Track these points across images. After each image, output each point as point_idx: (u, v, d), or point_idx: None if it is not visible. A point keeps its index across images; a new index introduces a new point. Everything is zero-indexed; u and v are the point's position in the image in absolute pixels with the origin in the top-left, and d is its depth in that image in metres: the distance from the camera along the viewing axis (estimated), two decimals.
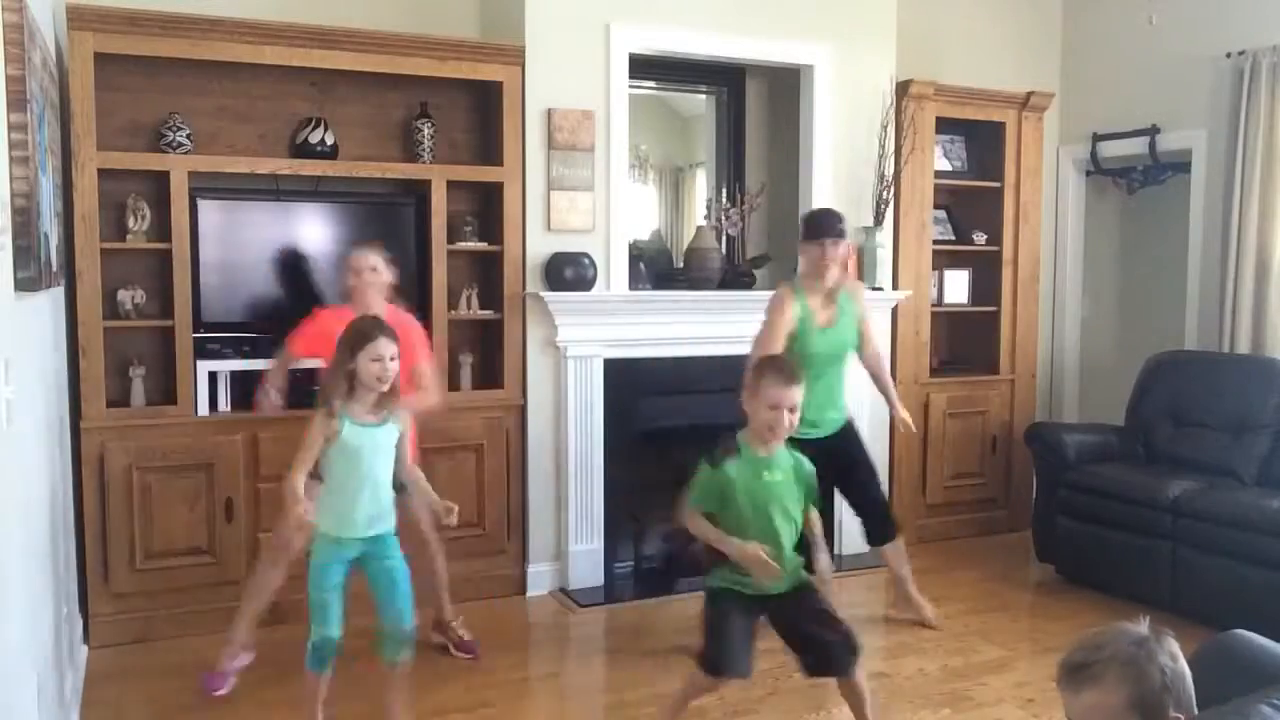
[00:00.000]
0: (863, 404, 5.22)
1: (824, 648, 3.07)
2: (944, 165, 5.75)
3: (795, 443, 3.22)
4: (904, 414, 4.35)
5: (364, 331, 3.08)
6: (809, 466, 3.17)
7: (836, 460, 3.99)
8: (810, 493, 3.18)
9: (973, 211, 5.87)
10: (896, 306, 5.35)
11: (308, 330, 3.79)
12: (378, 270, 3.74)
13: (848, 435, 4.19)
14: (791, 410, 3.02)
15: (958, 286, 5.82)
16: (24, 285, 2.49)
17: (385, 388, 3.08)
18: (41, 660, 2.64)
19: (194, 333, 4.12)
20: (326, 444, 3.05)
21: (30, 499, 2.61)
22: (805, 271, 4.05)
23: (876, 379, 4.38)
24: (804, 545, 3.22)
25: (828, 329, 4.00)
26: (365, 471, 3.08)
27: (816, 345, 3.96)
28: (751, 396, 3.08)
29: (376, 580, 3.15)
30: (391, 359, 3.07)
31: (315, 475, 3.11)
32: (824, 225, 3.98)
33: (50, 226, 3.07)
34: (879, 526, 4.34)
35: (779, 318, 3.90)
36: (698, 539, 3.21)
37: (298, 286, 4.38)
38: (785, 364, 3.18)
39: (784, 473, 3.10)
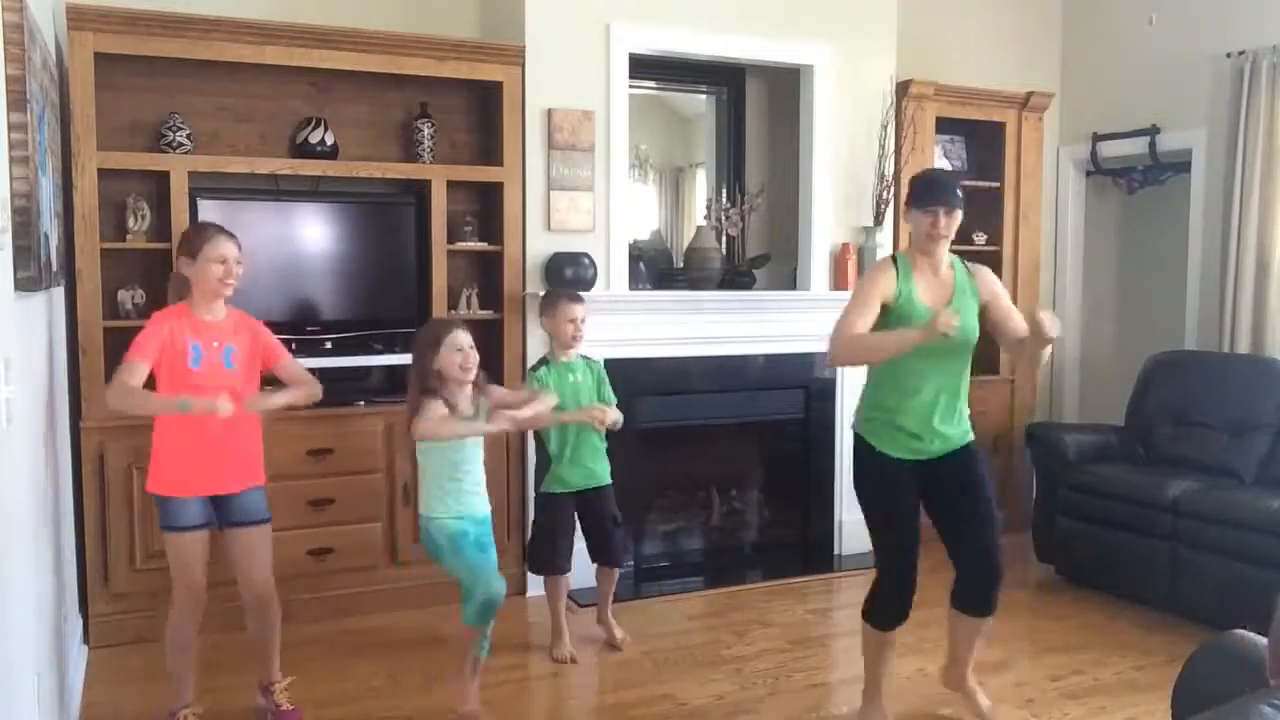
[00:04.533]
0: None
1: (606, 543, 4.02)
2: (944, 165, 5.75)
3: (898, 463, 3.21)
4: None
5: (435, 328, 3.45)
6: (601, 369, 4.04)
7: (944, 489, 3.26)
8: (604, 387, 4.01)
9: (973, 211, 5.82)
10: None
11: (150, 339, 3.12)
12: (242, 264, 3.21)
13: (966, 460, 3.27)
14: (583, 322, 3.91)
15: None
16: (24, 285, 2.49)
17: (470, 377, 3.36)
18: (41, 660, 2.64)
19: None
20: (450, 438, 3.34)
21: (30, 499, 2.60)
22: (911, 245, 3.28)
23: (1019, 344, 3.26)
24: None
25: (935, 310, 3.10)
26: (469, 460, 3.39)
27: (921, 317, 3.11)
28: (552, 318, 3.92)
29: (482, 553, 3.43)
30: (471, 347, 3.37)
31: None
32: (937, 190, 3.16)
33: (50, 226, 3.07)
34: (976, 589, 3.38)
35: (870, 288, 3.14)
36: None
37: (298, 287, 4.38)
38: (568, 290, 4.02)
39: (580, 373, 3.95)
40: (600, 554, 4.07)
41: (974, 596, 3.37)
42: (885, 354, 3.10)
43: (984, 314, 3.24)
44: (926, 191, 3.17)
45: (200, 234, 3.18)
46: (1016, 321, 3.25)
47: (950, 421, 3.21)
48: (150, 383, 3.07)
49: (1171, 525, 4.46)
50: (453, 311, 4.57)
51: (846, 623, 4.46)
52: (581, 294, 4.06)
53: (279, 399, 3.23)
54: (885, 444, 3.21)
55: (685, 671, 3.86)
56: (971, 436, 3.30)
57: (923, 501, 3.28)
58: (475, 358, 3.36)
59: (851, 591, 4.89)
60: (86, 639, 3.97)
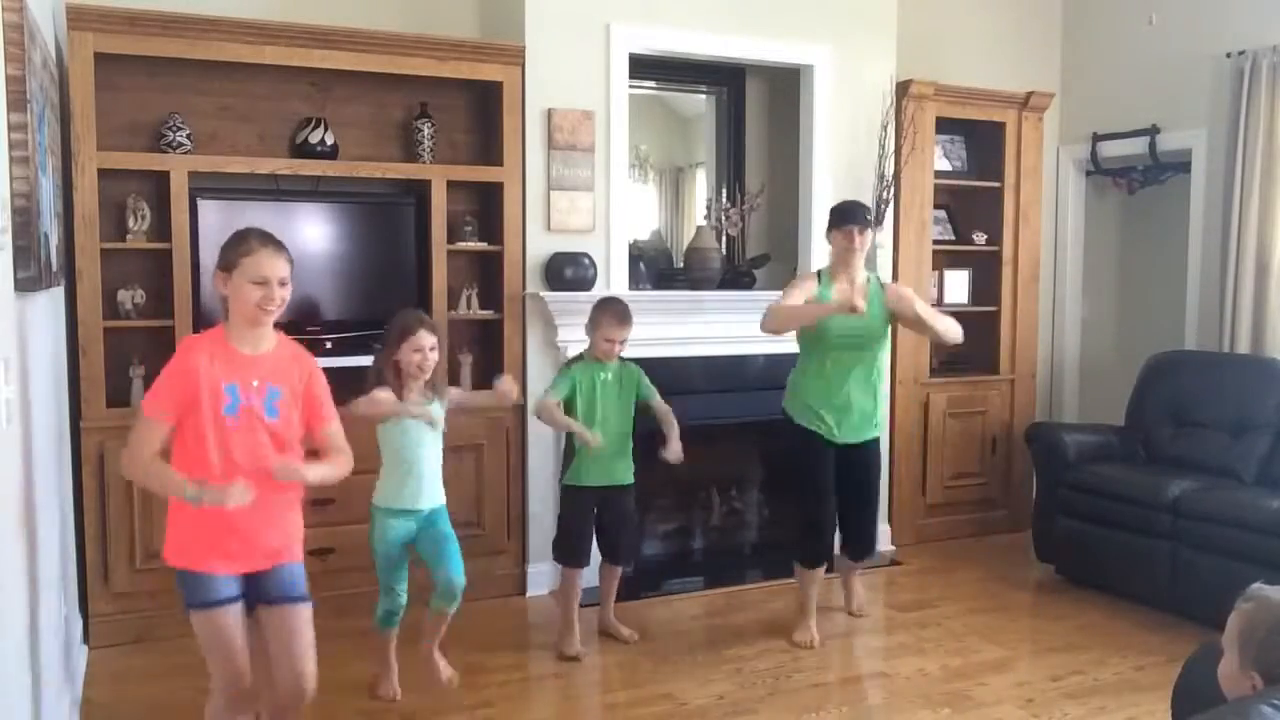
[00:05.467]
0: None
1: (615, 542, 4.04)
2: (944, 165, 5.75)
3: (822, 442, 4.02)
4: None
5: (405, 322, 3.41)
6: (639, 371, 4.01)
7: (852, 472, 4.10)
8: (642, 389, 4.00)
9: (973, 211, 5.87)
10: None
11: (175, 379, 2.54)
12: (288, 285, 2.60)
13: (868, 454, 4.16)
14: (622, 343, 3.91)
15: (958, 286, 5.83)
16: (24, 285, 2.49)
17: (426, 377, 3.41)
18: (41, 660, 2.64)
19: (194, 333, 4.11)
20: (381, 427, 3.43)
21: (30, 499, 2.60)
22: (832, 262, 4.09)
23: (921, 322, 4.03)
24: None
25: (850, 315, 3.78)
26: (408, 453, 3.43)
27: (836, 326, 3.88)
28: (594, 329, 3.93)
29: (429, 546, 3.47)
30: (431, 349, 3.38)
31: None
32: (849, 213, 4.00)
33: (50, 226, 3.07)
34: (858, 547, 4.33)
35: (796, 285, 3.98)
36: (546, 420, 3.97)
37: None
38: (619, 306, 3.93)
39: (615, 375, 3.94)
40: (609, 552, 4.07)
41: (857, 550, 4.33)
42: (804, 320, 3.87)
43: (895, 317, 4.02)
44: (842, 215, 4.00)
45: (238, 245, 2.56)
46: (929, 317, 3.99)
47: (866, 406, 4.03)
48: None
49: (1171, 525, 4.45)
50: (452, 311, 4.57)
51: (846, 623, 4.47)
52: (629, 310, 3.96)
53: (315, 473, 2.64)
54: (805, 420, 4.04)
55: (685, 671, 3.86)
56: (878, 432, 4.16)
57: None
58: (434, 359, 3.42)
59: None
60: (86, 639, 3.97)
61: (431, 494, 3.50)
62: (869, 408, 4.05)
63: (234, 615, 2.56)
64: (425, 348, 3.38)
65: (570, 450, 4.01)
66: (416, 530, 3.47)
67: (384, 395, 3.37)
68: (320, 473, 2.67)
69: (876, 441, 4.18)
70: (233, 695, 2.61)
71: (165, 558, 2.62)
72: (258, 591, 2.62)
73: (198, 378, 2.48)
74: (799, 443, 4.07)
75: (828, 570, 4.27)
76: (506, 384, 3.58)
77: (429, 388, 3.47)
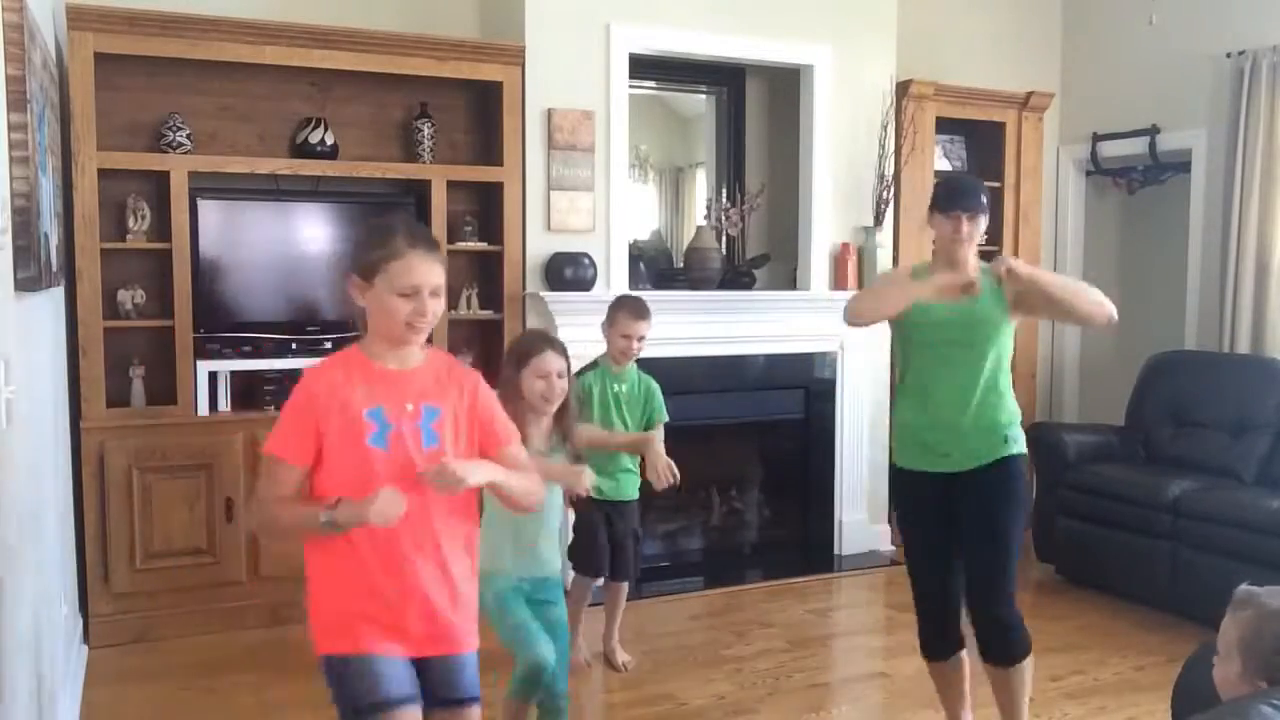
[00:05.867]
0: (862, 403, 5.24)
1: (619, 557, 3.85)
2: (944, 165, 5.74)
3: (913, 476, 3.01)
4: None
5: (528, 346, 2.84)
6: (653, 385, 3.80)
7: (965, 509, 2.94)
8: (653, 405, 3.79)
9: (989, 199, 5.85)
10: None
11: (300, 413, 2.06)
12: (440, 296, 2.08)
13: (990, 479, 2.93)
14: (640, 340, 3.68)
15: None
16: (24, 285, 2.49)
17: (552, 409, 2.82)
18: (41, 660, 2.64)
19: (194, 333, 4.12)
20: None
21: (30, 498, 2.61)
22: (935, 251, 3.14)
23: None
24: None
25: (955, 304, 2.91)
26: (548, 513, 2.80)
27: (932, 316, 2.92)
28: (610, 327, 3.71)
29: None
30: (559, 375, 2.78)
31: None
32: (955, 195, 3.04)
33: (50, 226, 3.07)
34: (988, 634, 2.97)
35: (878, 278, 3.29)
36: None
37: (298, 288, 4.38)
38: (637, 301, 3.74)
39: (630, 385, 3.75)
40: (613, 569, 3.89)
41: (981, 641, 2.99)
42: (895, 299, 2.99)
43: (1021, 305, 2.96)
44: (947, 196, 3.04)
45: (381, 245, 2.02)
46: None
47: (974, 425, 2.91)
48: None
49: (1171, 525, 4.45)
50: (452, 311, 4.57)
51: (846, 623, 4.47)
52: (648, 306, 3.74)
53: (485, 472, 2.07)
54: (904, 457, 3.05)
55: (685, 671, 3.86)
56: (1012, 451, 2.94)
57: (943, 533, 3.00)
58: (563, 388, 2.82)
59: (851, 592, 4.90)
60: (86, 639, 3.97)
61: (548, 560, 2.89)
62: (987, 417, 2.94)
63: (414, 714, 2.01)
64: (553, 372, 2.80)
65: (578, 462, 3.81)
66: (528, 597, 2.83)
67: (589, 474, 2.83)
68: (501, 473, 2.10)
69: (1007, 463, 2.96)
70: None
71: (318, 650, 2.05)
72: (430, 684, 2.08)
73: (323, 400, 2.01)
74: (900, 488, 3.16)
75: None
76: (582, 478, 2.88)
77: (557, 427, 2.87)
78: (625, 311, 3.71)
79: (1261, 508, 4.19)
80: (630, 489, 3.84)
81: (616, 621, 3.96)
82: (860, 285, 5.12)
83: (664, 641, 4.17)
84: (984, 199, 3.02)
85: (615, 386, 3.73)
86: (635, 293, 4.29)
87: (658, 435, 3.71)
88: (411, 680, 2.03)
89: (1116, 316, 2.97)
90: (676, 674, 3.84)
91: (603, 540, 3.84)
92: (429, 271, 2.02)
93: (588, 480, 2.85)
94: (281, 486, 2.00)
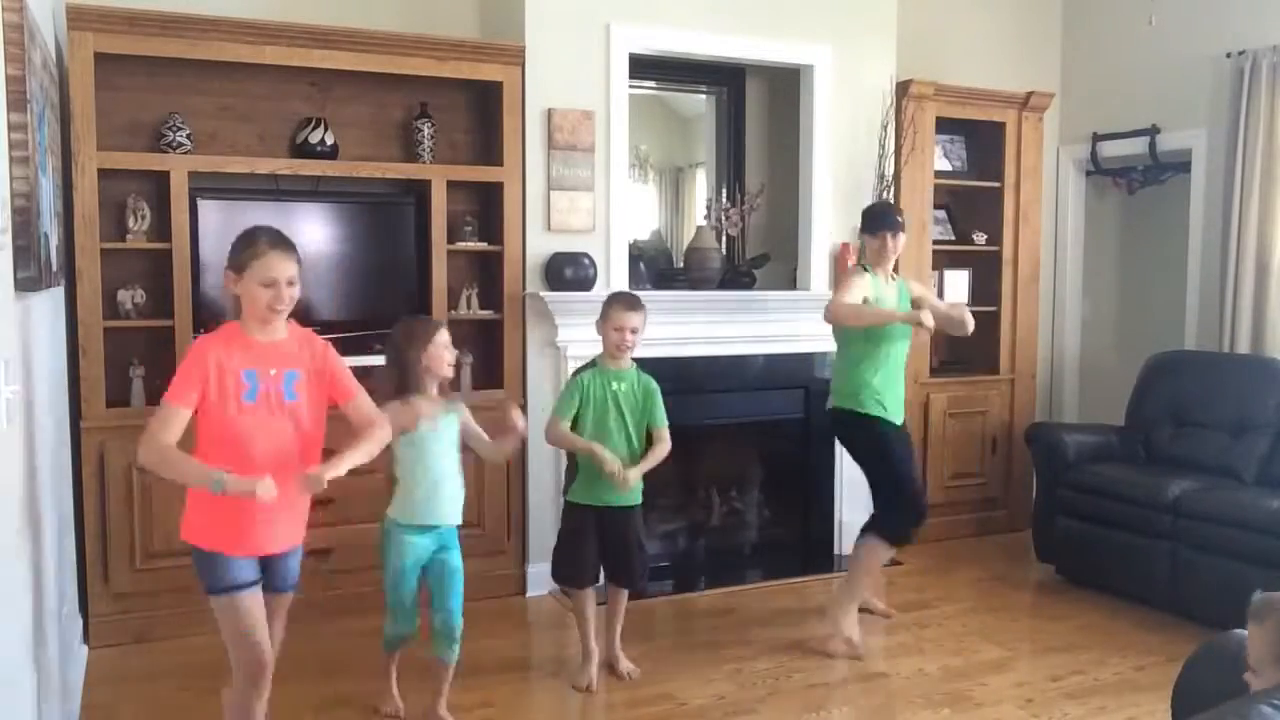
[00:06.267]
0: None
1: (621, 564, 3.73)
2: (944, 165, 5.75)
3: (884, 423, 4.06)
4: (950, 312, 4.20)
5: (424, 325, 3.34)
6: (652, 385, 3.70)
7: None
8: (651, 406, 3.68)
9: (973, 211, 5.87)
10: None
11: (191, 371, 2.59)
12: (296, 284, 2.67)
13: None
14: (633, 332, 3.61)
15: (958, 286, 5.83)
16: (24, 285, 2.49)
17: (451, 373, 3.30)
18: (41, 660, 2.63)
19: (194, 333, 4.11)
20: (396, 439, 3.13)
21: (30, 498, 2.60)
22: (870, 260, 4.18)
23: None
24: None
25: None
26: (431, 463, 3.24)
27: (895, 328, 4.06)
28: (603, 322, 3.65)
29: (436, 575, 3.30)
30: (447, 346, 3.28)
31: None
32: (884, 219, 4.13)
33: (50, 226, 3.07)
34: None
35: (855, 281, 4.05)
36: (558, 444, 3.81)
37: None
38: (629, 294, 3.74)
39: (629, 385, 3.65)
40: (614, 573, 3.75)
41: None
42: (871, 322, 3.99)
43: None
44: (876, 220, 4.15)
45: (247, 247, 2.62)
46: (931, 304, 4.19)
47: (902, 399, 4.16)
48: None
49: (1171, 525, 4.46)
50: (452, 311, 4.57)
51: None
52: (640, 299, 3.69)
53: (341, 466, 2.64)
54: (874, 408, 4.06)
55: (685, 671, 3.86)
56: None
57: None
58: (453, 355, 3.36)
59: None
60: (86, 639, 3.97)
61: (453, 510, 3.31)
62: (903, 394, 4.23)
63: (256, 598, 2.67)
64: (448, 344, 3.31)
65: (574, 464, 3.75)
66: (432, 551, 3.29)
67: (424, 405, 3.23)
68: (353, 459, 2.68)
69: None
70: (255, 674, 2.73)
71: (184, 536, 2.66)
72: (265, 574, 2.73)
73: (214, 365, 2.56)
74: (877, 430, 4.07)
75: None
76: (516, 416, 3.35)
77: (444, 392, 3.34)
78: (617, 304, 3.64)
79: (1261, 508, 4.19)
80: (629, 495, 3.65)
81: (617, 628, 3.84)
82: None
83: (664, 641, 4.17)
84: (902, 221, 4.15)
85: (613, 384, 3.64)
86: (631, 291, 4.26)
87: (658, 446, 3.66)
88: (256, 570, 2.67)
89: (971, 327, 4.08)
90: (676, 674, 3.84)
91: (589, 550, 3.67)
92: (285, 267, 2.62)
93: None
94: (173, 429, 2.51)
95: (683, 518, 5.36)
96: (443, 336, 3.31)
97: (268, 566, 2.73)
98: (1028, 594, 4.90)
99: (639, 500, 3.71)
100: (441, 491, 3.26)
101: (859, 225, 4.28)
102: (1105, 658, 4.03)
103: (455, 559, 3.33)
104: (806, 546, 5.33)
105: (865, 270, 4.12)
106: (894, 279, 4.19)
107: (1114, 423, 5.29)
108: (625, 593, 3.81)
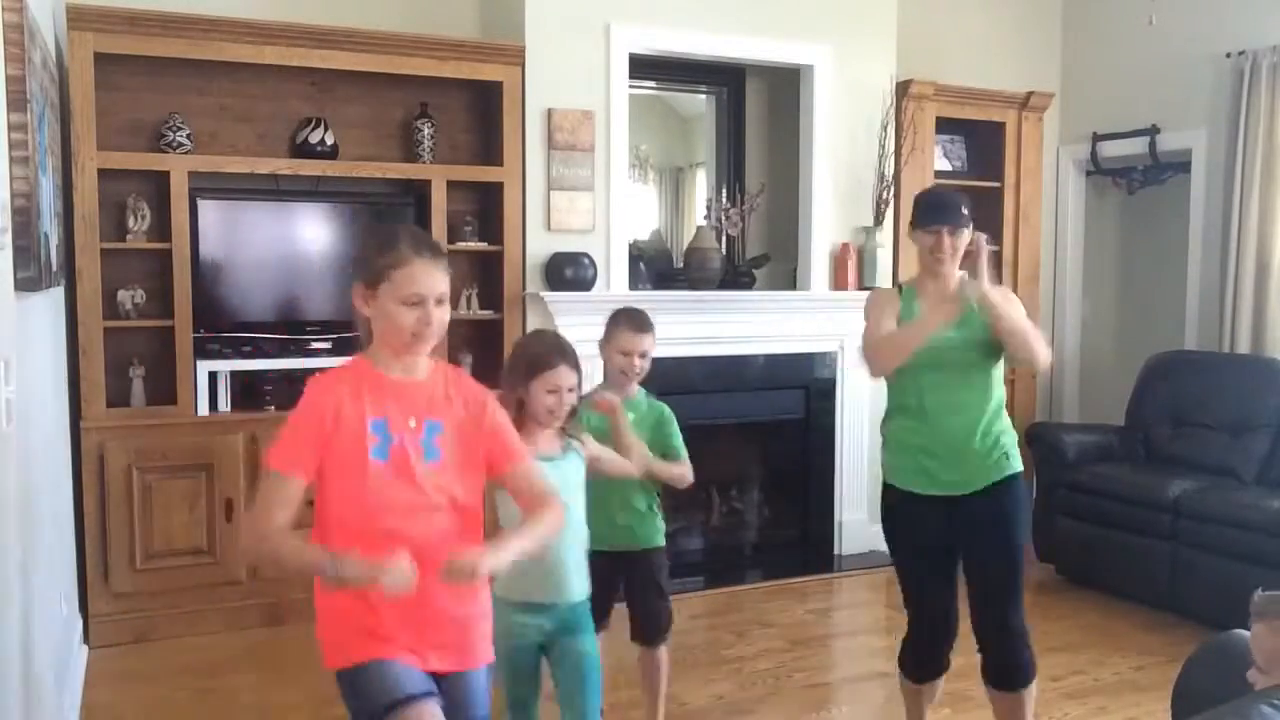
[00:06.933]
0: (862, 403, 5.24)
1: (643, 614, 3.13)
2: (944, 165, 5.75)
3: (913, 498, 2.91)
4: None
5: (539, 356, 2.57)
6: (666, 412, 3.11)
7: (965, 536, 2.89)
8: (665, 436, 3.08)
9: (973, 211, 5.85)
10: None
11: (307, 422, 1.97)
12: (445, 304, 2.04)
13: (999, 498, 2.88)
14: (642, 356, 3.03)
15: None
16: (24, 285, 2.49)
17: (558, 424, 2.58)
18: (41, 660, 2.64)
19: (194, 333, 4.12)
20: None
21: (30, 499, 2.60)
22: (919, 271, 3.02)
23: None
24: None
25: (954, 324, 2.83)
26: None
27: (934, 339, 2.81)
28: (606, 344, 3.08)
29: (566, 668, 2.58)
30: (570, 390, 2.55)
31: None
32: (938, 210, 2.92)
33: (50, 226, 3.07)
34: (997, 661, 2.93)
35: (880, 304, 2.98)
36: None
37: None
38: (637, 313, 3.11)
39: (639, 415, 3.02)
40: (636, 631, 3.17)
41: (992, 665, 2.94)
42: (918, 338, 2.82)
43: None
44: (927, 211, 2.94)
45: (386, 252, 1.98)
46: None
47: (981, 447, 2.86)
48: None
49: (1171, 525, 4.45)
50: (452, 312, 4.55)
51: (846, 623, 4.48)
52: (649, 318, 3.11)
53: (505, 553, 1.97)
54: (902, 478, 2.95)
55: (685, 671, 3.86)
56: (1016, 469, 2.91)
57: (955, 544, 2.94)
58: (571, 402, 2.58)
59: (851, 592, 4.90)
60: (86, 639, 3.97)
61: (576, 583, 2.56)
62: (985, 433, 2.91)
63: (433, 711, 1.94)
64: (563, 388, 2.54)
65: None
66: (551, 630, 2.55)
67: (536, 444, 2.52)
68: (521, 546, 2.00)
69: (1009, 484, 2.92)
70: None
71: (327, 664, 2.03)
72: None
73: (337, 416, 1.94)
74: (886, 504, 3.04)
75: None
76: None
77: (562, 434, 2.61)
78: (624, 324, 3.07)
79: (1261, 508, 4.19)
80: (647, 536, 3.11)
81: (660, 697, 3.22)
82: (860, 286, 5.13)
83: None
84: (965, 212, 2.91)
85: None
86: (628, 302, 3.68)
87: (674, 466, 3.07)
88: (427, 682, 1.97)
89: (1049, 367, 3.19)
90: (677, 674, 3.83)
91: (598, 594, 2.81)
92: (434, 280, 1.98)
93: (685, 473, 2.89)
94: (284, 505, 1.90)
95: (683, 518, 5.35)
96: (556, 377, 2.52)
97: (441, 687, 2.01)
98: (1028, 594, 4.86)
99: (662, 542, 3.15)
100: (562, 560, 2.50)
101: (910, 218, 3.03)
102: (1105, 658, 4.03)
103: (589, 645, 2.58)
104: (806, 546, 5.33)
105: (900, 292, 3.01)
106: (955, 298, 2.83)
107: (1114, 423, 5.29)
108: (659, 654, 3.19)
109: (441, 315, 1.99)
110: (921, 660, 3.05)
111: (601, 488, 2.84)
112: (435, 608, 1.96)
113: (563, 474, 2.49)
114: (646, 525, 3.11)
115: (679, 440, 3.11)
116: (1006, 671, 2.90)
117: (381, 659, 1.94)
